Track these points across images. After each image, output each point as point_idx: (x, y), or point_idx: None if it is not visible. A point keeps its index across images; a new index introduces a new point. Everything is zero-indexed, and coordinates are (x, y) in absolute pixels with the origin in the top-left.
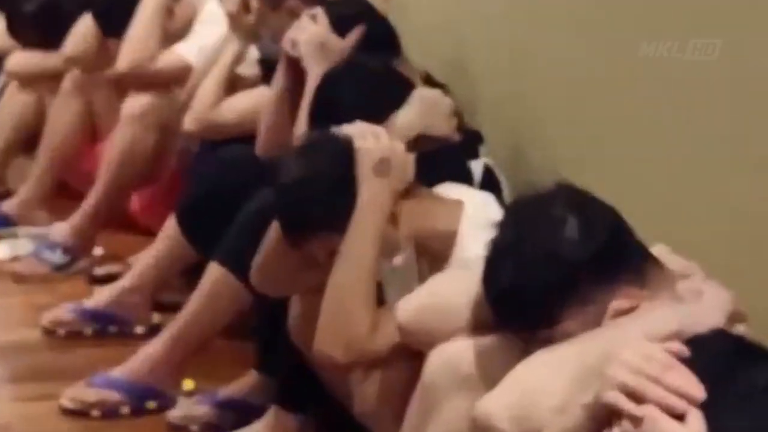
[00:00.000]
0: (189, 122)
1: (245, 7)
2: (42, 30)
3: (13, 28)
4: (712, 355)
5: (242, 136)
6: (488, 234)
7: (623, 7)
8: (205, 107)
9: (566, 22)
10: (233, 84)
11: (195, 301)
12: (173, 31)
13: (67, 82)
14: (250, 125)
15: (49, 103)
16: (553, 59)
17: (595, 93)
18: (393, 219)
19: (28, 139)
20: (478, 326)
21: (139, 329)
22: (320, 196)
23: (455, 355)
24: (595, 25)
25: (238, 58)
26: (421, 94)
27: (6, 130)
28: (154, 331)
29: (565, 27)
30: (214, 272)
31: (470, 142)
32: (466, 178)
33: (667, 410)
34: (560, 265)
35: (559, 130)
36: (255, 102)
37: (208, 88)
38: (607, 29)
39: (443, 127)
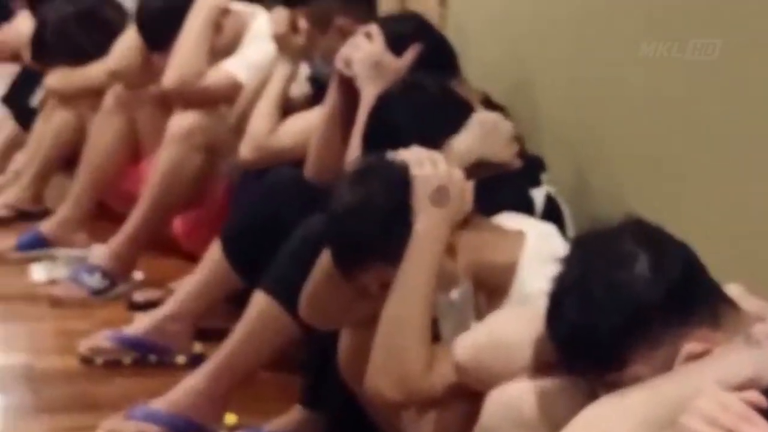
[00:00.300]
0: (246, 151)
1: (293, 27)
2: (81, 41)
3: (49, 40)
4: None
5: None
6: (551, 268)
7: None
8: (262, 134)
9: (630, 45)
10: (284, 105)
11: (240, 332)
12: (221, 47)
13: (110, 99)
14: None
15: (90, 120)
16: (618, 82)
17: (661, 116)
18: (450, 250)
19: (67, 157)
20: (540, 366)
21: (180, 359)
22: (374, 226)
23: (516, 397)
24: (659, 46)
25: (289, 80)
26: (480, 117)
27: (45, 147)
28: (195, 361)
29: (630, 49)
30: (260, 302)
31: (531, 168)
32: (527, 207)
33: None
34: (630, 305)
35: (623, 156)
36: (312, 124)
37: (262, 113)
38: (675, 51)
39: (503, 153)
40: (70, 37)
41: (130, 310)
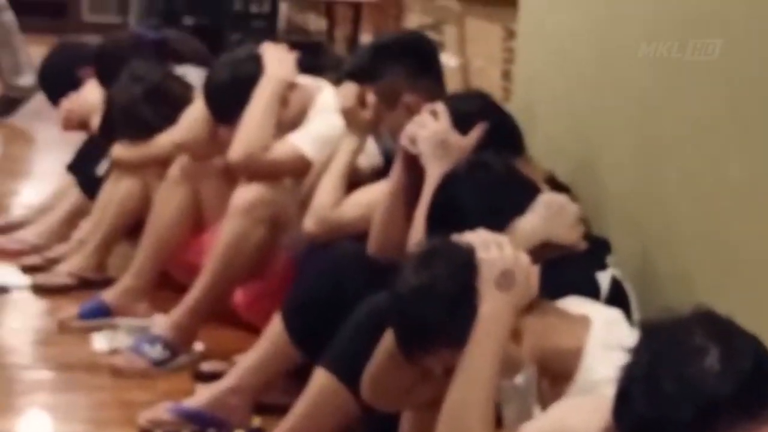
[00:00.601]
0: (310, 223)
1: (361, 102)
2: (148, 117)
3: (117, 119)
4: None
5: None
6: (617, 356)
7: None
8: (326, 207)
9: (698, 120)
10: (351, 178)
11: (300, 408)
12: (287, 120)
13: (175, 169)
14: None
15: (155, 189)
16: (686, 159)
17: (731, 195)
18: (515, 335)
19: (131, 227)
20: None
21: None
22: (439, 310)
23: None
24: (728, 120)
25: (355, 154)
26: (546, 199)
27: (109, 216)
28: None
29: (698, 125)
30: (321, 378)
31: (597, 251)
32: (592, 290)
33: None
34: (700, 399)
35: (692, 239)
36: (377, 198)
37: (327, 186)
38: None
39: (569, 235)
40: (138, 115)
41: (196, 381)
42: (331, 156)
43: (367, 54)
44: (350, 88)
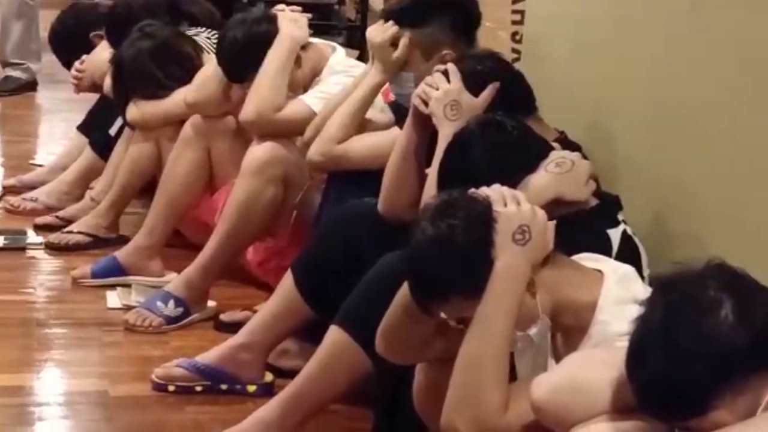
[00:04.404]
0: (315, 153)
1: (393, 42)
2: (156, 74)
3: (126, 75)
4: None
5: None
6: (631, 310)
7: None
8: (333, 141)
9: (710, 82)
10: (363, 127)
11: (313, 365)
12: (300, 80)
13: (188, 128)
14: (374, 166)
15: (167, 149)
16: (696, 119)
17: (744, 155)
18: (530, 288)
19: (144, 186)
20: (618, 408)
21: (251, 388)
22: (456, 260)
23: None
24: (739, 83)
25: (375, 91)
26: (557, 156)
27: (122, 175)
28: (266, 390)
29: (711, 87)
30: (334, 336)
31: (608, 208)
32: (604, 246)
33: None
34: (715, 354)
35: (703, 195)
36: (386, 143)
37: (339, 119)
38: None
39: (580, 192)
40: (144, 70)
41: (217, 330)
42: (351, 88)
43: None
44: (387, 26)
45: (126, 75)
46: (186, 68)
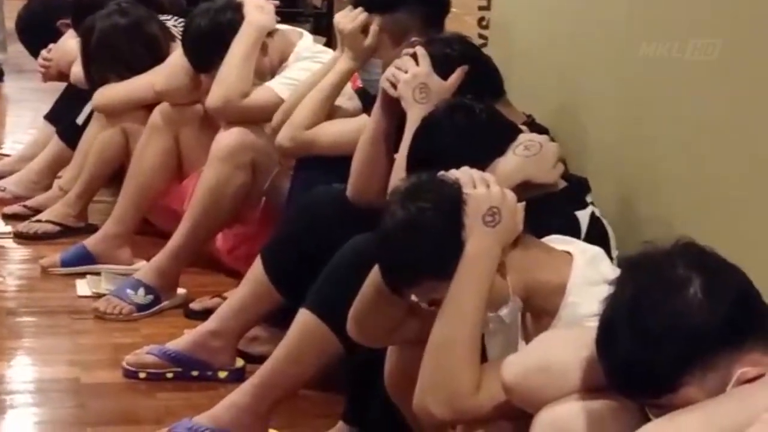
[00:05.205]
0: (283, 138)
1: (363, 29)
2: (125, 52)
3: (94, 48)
4: None
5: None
6: (600, 291)
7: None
8: (301, 127)
9: (676, 64)
10: (331, 114)
11: (283, 349)
12: (266, 67)
13: (156, 116)
14: (343, 151)
15: (135, 137)
16: (664, 103)
17: (710, 139)
18: (500, 269)
19: (112, 174)
20: (589, 387)
21: (222, 374)
22: (426, 243)
23: (565, 418)
24: (704, 65)
25: (346, 77)
26: (526, 139)
27: (90, 164)
28: (237, 375)
29: (677, 68)
30: (304, 320)
31: (576, 190)
32: (572, 228)
33: None
34: (684, 331)
35: (670, 177)
36: (353, 129)
37: (309, 104)
38: (723, 74)
39: (548, 175)
40: (116, 45)
41: (188, 318)
42: (319, 74)
43: None
44: (356, 13)
45: (95, 49)
46: (153, 52)
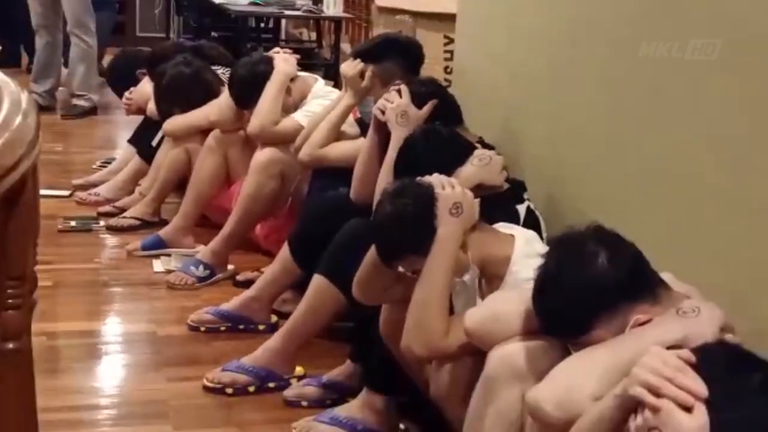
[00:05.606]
0: (303, 155)
1: (361, 74)
2: (188, 90)
3: (165, 88)
4: (714, 360)
5: (340, 170)
6: (534, 262)
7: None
8: (317, 146)
9: (592, 100)
10: (338, 137)
11: (303, 306)
12: (291, 103)
13: (210, 140)
14: (347, 164)
15: (195, 155)
16: (582, 128)
17: (615, 152)
18: (463, 246)
19: (178, 182)
20: (528, 331)
21: (261, 327)
22: (408, 229)
23: (511, 353)
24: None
25: (349, 110)
26: (480, 153)
27: (162, 175)
28: (272, 329)
29: (593, 105)
30: (318, 283)
31: (516, 189)
32: (513, 218)
33: (679, 403)
34: (593, 289)
35: (585, 181)
36: (354, 148)
37: (322, 130)
38: (631, 108)
39: (496, 179)
40: (181, 88)
41: (235, 286)
42: (327, 109)
43: (378, 43)
44: (356, 63)
45: (165, 91)
46: (208, 92)
